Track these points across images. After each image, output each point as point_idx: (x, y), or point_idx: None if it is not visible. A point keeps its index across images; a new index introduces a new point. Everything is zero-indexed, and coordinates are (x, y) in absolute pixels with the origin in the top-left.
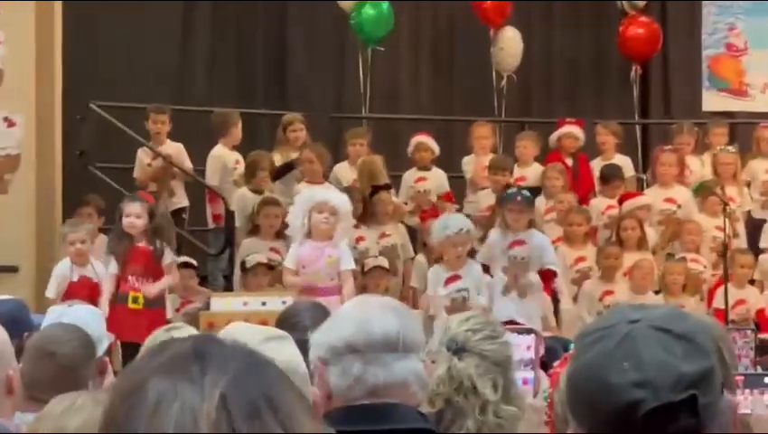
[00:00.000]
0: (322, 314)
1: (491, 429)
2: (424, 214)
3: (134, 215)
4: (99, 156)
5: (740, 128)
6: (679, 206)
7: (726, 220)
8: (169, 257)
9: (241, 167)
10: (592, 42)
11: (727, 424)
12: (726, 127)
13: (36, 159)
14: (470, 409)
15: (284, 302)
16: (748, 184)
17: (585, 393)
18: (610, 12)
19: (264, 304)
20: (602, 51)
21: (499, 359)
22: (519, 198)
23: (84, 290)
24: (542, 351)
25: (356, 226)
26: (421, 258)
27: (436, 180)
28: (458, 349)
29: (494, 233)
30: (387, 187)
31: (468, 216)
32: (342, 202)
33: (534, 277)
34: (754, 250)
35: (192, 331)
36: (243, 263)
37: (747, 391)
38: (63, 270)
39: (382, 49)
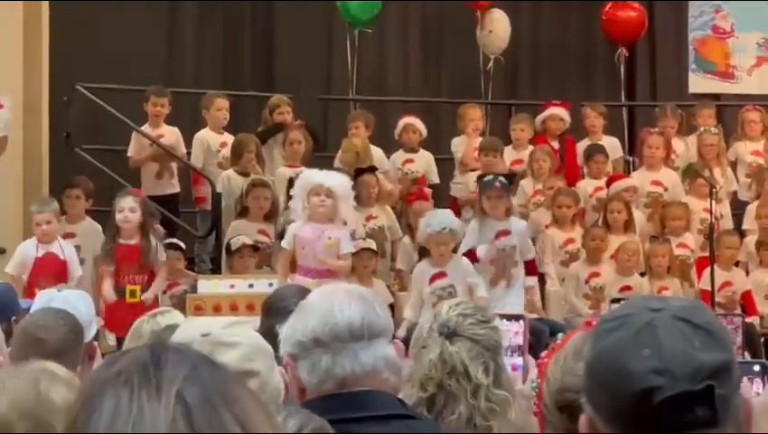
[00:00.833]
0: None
1: (483, 414)
2: (410, 196)
3: (127, 209)
4: (86, 138)
5: (726, 111)
6: (666, 189)
7: (712, 201)
8: (162, 254)
9: (226, 150)
10: (579, 25)
11: (741, 422)
12: (713, 109)
13: (23, 141)
14: (462, 393)
15: (271, 284)
16: (733, 166)
17: (602, 379)
18: None
19: (251, 286)
20: (589, 33)
21: (489, 343)
22: (497, 184)
23: (51, 267)
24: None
25: None
26: (407, 240)
27: (424, 161)
28: (450, 333)
29: (473, 223)
30: (371, 170)
31: (455, 199)
32: (339, 183)
33: (519, 266)
34: (740, 231)
35: (177, 316)
36: (228, 245)
37: None
38: (27, 248)
39: (370, 31)
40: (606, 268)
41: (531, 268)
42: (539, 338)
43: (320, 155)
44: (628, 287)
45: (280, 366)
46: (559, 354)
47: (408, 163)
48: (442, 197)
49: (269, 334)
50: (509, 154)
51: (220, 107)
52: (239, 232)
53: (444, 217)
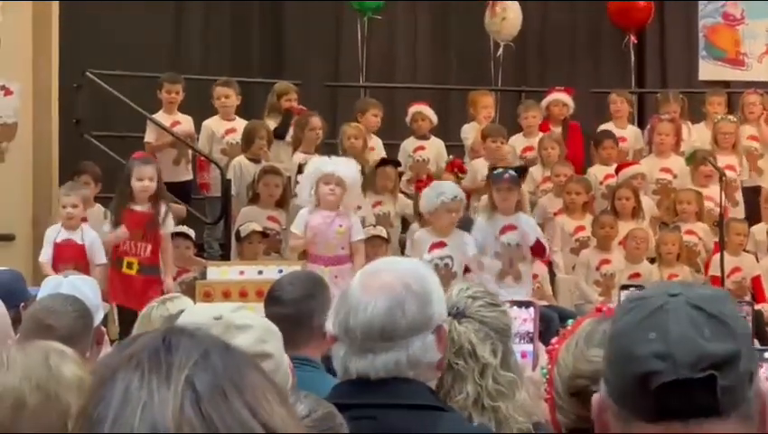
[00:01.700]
0: (314, 285)
1: (491, 394)
2: (420, 183)
3: (147, 178)
4: (95, 125)
5: (736, 97)
6: (675, 176)
7: (722, 188)
8: (170, 225)
9: (230, 136)
10: (588, 11)
11: (751, 414)
12: (724, 97)
13: (33, 128)
14: (469, 373)
15: (280, 271)
16: None
17: (612, 359)
18: None
19: (260, 272)
20: (599, 20)
21: (498, 326)
22: (507, 176)
23: (68, 252)
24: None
25: None
26: (416, 227)
27: (435, 149)
28: (458, 314)
29: (481, 218)
30: (395, 164)
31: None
32: (349, 171)
33: (528, 261)
34: (752, 217)
35: (187, 302)
36: (238, 232)
37: None
38: (51, 233)
39: (379, 17)
40: (617, 256)
41: (538, 249)
42: (549, 325)
43: (329, 142)
44: (637, 274)
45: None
46: (570, 340)
47: (420, 150)
48: None
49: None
50: (519, 141)
51: (218, 95)
52: (250, 219)
53: (453, 186)
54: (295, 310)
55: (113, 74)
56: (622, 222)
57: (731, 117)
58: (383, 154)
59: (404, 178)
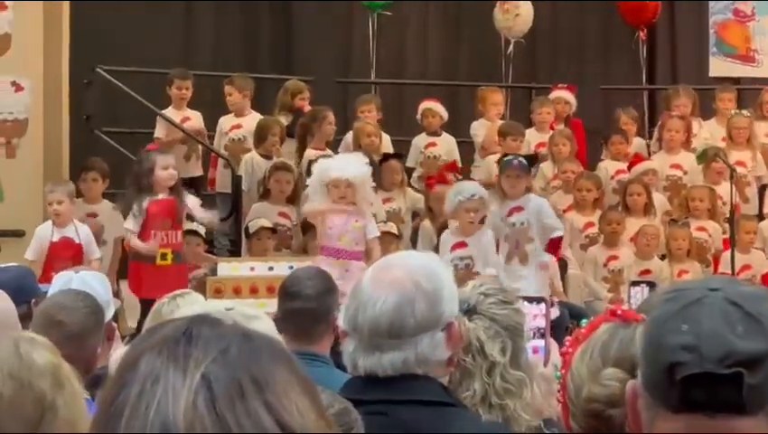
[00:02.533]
0: (329, 280)
1: (498, 392)
2: (430, 180)
3: (171, 167)
4: (106, 121)
5: (746, 94)
6: (686, 172)
7: (733, 185)
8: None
9: (234, 132)
10: (599, 7)
11: None
12: (734, 93)
13: (43, 124)
14: (477, 370)
15: (291, 267)
16: None
17: (645, 348)
18: None
19: (271, 269)
20: (609, 16)
21: (509, 324)
22: (516, 162)
23: (66, 251)
24: (555, 313)
25: None
26: (427, 223)
27: (447, 145)
28: (468, 310)
29: (493, 205)
30: (398, 156)
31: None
32: (358, 172)
33: (535, 243)
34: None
35: (197, 298)
36: (247, 228)
37: None
38: (44, 231)
39: (389, 13)
40: (625, 251)
41: (554, 246)
42: (560, 321)
43: (340, 138)
44: (648, 271)
45: None
46: (585, 347)
47: (431, 146)
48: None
49: (287, 316)
50: (532, 136)
51: (225, 93)
52: (260, 215)
53: (472, 185)
54: (317, 305)
55: (123, 70)
56: (633, 219)
57: (745, 112)
58: (390, 150)
59: (415, 175)
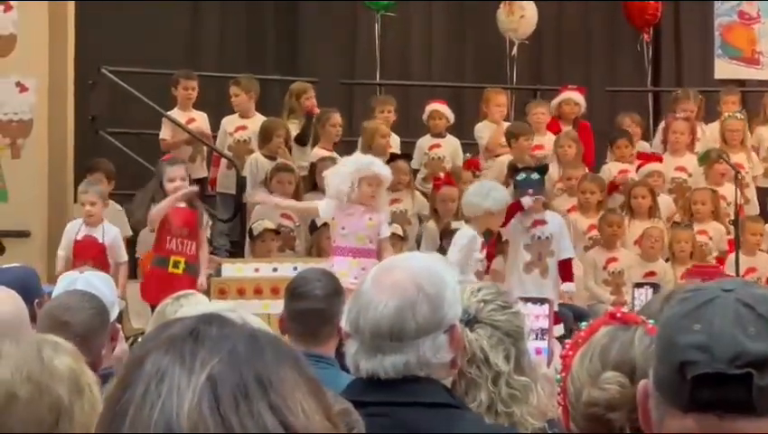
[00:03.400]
0: (336, 281)
1: (504, 400)
2: (437, 181)
3: (179, 178)
4: (111, 122)
5: (750, 96)
6: (690, 175)
7: (737, 186)
8: (205, 223)
9: (239, 134)
10: (604, 9)
11: None
12: (738, 95)
13: (48, 124)
14: (483, 380)
15: (295, 268)
16: (756, 151)
17: (657, 346)
18: None
19: (275, 270)
20: (614, 17)
21: (510, 329)
22: (530, 191)
23: (88, 251)
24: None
25: None
26: (431, 224)
27: (451, 147)
28: (470, 320)
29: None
30: (405, 157)
31: None
32: (388, 174)
33: (555, 257)
34: (765, 216)
35: (201, 299)
36: (251, 230)
37: None
38: (72, 228)
39: (393, 15)
40: (624, 253)
41: (566, 270)
42: (564, 323)
43: (345, 140)
44: (652, 273)
45: None
46: (585, 350)
47: (435, 148)
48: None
49: (294, 317)
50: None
51: (237, 92)
52: (263, 216)
53: (501, 194)
54: (325, 306)
55: (128, 71)
56: (637, 221)
57: (738, 114)
58: (398, 151)
59: (419, 176)
